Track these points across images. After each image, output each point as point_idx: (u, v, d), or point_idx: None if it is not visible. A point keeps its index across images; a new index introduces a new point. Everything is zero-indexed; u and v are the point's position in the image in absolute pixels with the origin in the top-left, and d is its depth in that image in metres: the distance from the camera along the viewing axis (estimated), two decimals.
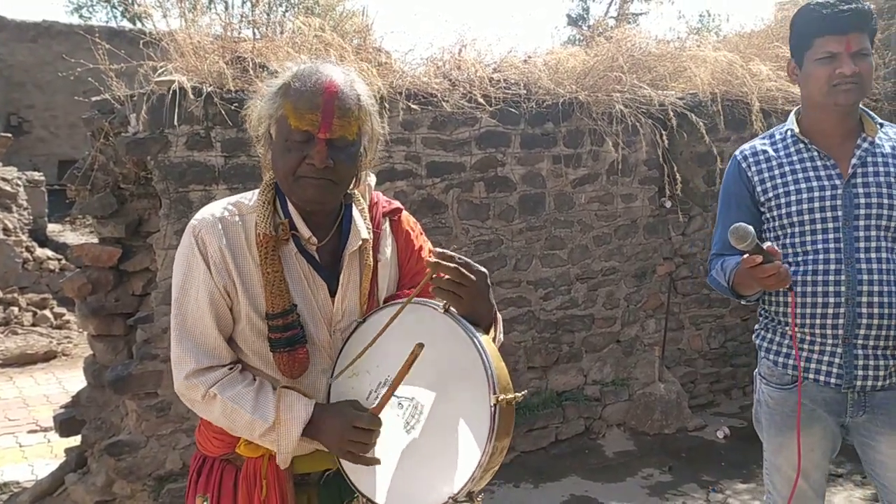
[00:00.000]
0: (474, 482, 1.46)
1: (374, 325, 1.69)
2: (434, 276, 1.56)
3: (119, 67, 3.97)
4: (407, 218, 1.90)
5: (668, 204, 5.34)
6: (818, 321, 2.25)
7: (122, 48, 4.08)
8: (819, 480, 2.37)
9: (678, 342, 5.54)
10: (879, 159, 2.25)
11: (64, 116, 15.75)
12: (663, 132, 5.00)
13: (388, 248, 1.83)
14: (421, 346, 1.54)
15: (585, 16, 20.69)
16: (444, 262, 1.56)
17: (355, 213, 1.76)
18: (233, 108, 3.84)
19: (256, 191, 1.73)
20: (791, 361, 2.31)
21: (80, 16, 22.23)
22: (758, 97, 5.27)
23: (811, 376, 2.28)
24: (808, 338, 2.28)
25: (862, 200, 2.22)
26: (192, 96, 3.77)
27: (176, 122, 3.72)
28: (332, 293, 1.72)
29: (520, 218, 4.80)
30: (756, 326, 2.49)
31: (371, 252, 1.76)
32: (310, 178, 1.58)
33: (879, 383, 2.23)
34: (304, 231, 1.68)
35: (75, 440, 4.20)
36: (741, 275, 2.20)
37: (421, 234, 1.91)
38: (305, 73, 1.61)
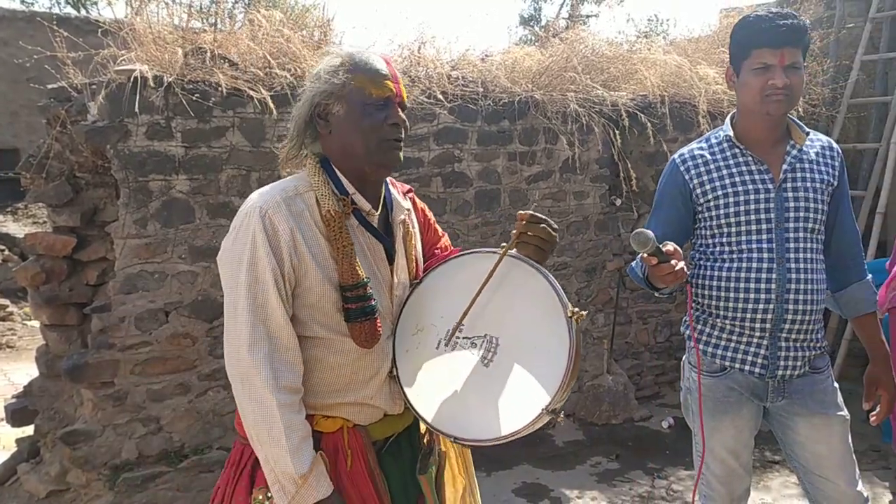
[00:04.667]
0: (565, 388, 1.59)
1: (433, 284, 1.87)
2: (523, 232, 1.77)
3: (77, 56, 3.94)
4: (416, 197, 2.08)
5: (618, 202, 5.51)
6: (748, 315, 2.38)
7: (68, 36, 4.04)
8: (748, 459, 2.51)
9: (626, 336, 5.71)
10: (807, 165, 2.40)
11: (5, 104, 15.28)
12: (616, 132, 5.15)
13: (416, 221, 1.99)
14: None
15: (537, 16, 20.95)
16: (535, 222, 1.77)
17: (391, 187, 1.90)
18: (193, 98, 3.85)
19: (296, 176, 1.80)
20: (720, 351, 2.45)
21: (22, 1, 21.62)
22: (705, 100, 5.47)
23: (738, 366, 2.42)
24: (737, 330, 2.42)
25: (791, 204, 2.37)
26: (152, 85, 3.77)
27: (136, 111, 3.72)
28: (388, 262, 1.85)
29: (476, 213, 4.90)
30: (685, 318, 2.59)
31: (410, 222, 1.92)
32: (392, 140, 1.73)
33: (797, 372, 2.40)
34: (364, 204, 1.78)
35: (26, 430, 4.16)
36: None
37: (429, 210, 2.11)
38: (357, 52, 1.76)
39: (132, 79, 3.72)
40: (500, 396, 1.66)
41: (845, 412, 2.43)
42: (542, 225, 1.77)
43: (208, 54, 4.07)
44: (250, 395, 1.62)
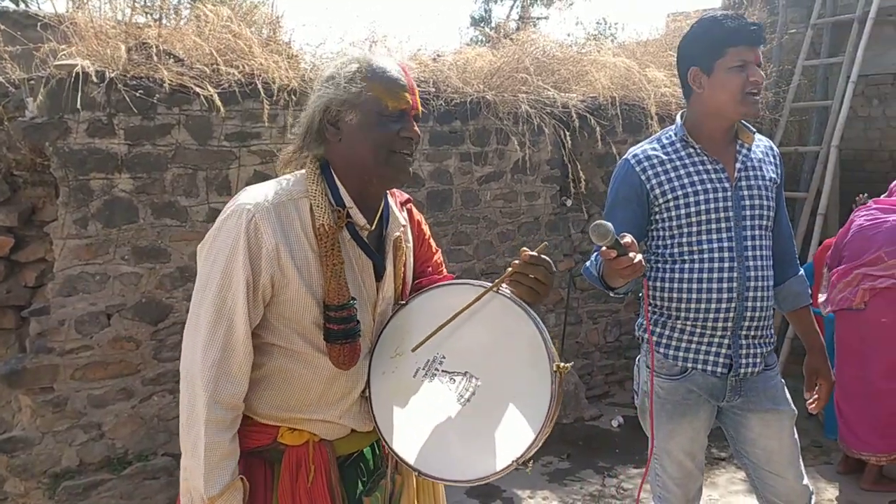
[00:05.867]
0: (539, 442, 1.54)
1: (419, 307, 1.78)
2: (519, 272, 1.67)
3: (15, 50, 3.80)
4: (414, 208, 1.98)
5: (569, 202, 5.55)
6: (711, 315, 2.38)
7: (5, 29, 3.91)
8: (702, 459, 2.54)
9: (577, 336, 5.75)
10: (756, 164, 2.44)
11: None
12: (566, 133, 5.19)
13: (410, 236, 1.90)
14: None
15: (488, 17, 21.03)
16: (534, 264, 1.67)
17: (390, 200, 1.81)
18: (137, 94, 3.75)
19: (293, 178, 1.70)
20: (681, 353, 2.44)
21: None
22: (654, 102, 5.54)
23: (700, 367, 2.42)
24: (698, 330, 2.41)
25: (747, 202, 2.39)
26: (94, 81, 3.66)
27: (78, 107, 3.60)
28: (376, 278, 1.77)
29: (428, 213, 4.87)
30: (641, 321, 2.57)
31: (404, 238, 1.84)
32: (403, 153, 1.66)
33: (757, 369, 2.43)
34: (360, 219, 1.70)
35: None
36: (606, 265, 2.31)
37: (426, 223, 2.01)
38: (376, 58, 1.68)
39: (73, 74, 3.61)
40: (471, 438, 1.61)
41: (793, 407, 2.48)
42: (541, 267, 1.67)
43: (153, 50, 3.96)
44: (189, 398, 1.60)
